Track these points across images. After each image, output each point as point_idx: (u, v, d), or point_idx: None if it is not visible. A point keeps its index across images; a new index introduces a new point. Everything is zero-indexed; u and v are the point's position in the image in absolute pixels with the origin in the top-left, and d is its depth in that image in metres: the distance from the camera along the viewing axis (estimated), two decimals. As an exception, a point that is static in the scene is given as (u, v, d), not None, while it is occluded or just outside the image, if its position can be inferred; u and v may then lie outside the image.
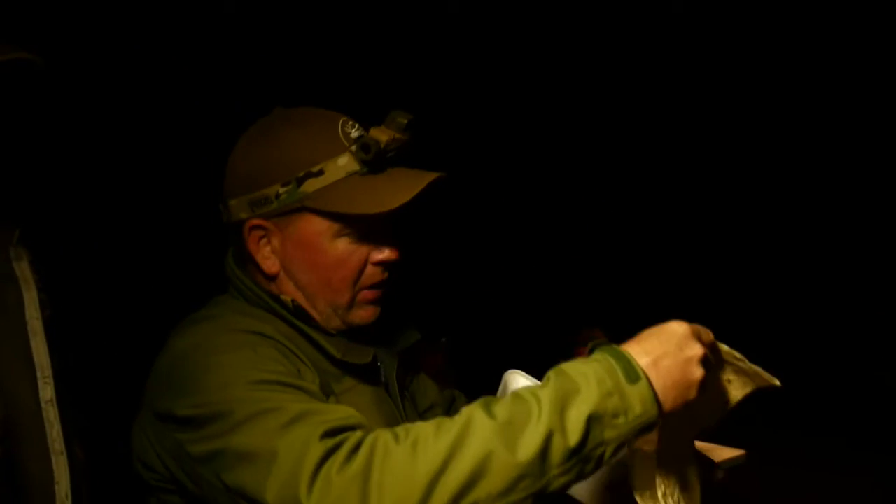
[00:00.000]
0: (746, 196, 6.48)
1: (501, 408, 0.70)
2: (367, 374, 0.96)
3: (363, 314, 0.94)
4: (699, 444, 3.17)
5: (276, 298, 0.91)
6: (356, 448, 0.68)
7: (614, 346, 0.74)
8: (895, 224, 5.75)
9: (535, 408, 0.68)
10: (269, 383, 0.77)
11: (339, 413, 0.74)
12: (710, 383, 0.78)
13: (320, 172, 0.86)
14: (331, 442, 0.69)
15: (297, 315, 0.91)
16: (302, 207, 0.87)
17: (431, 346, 3.55)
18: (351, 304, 0.92)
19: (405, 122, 0.88)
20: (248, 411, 0.73)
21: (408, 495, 0.65)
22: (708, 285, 6.46)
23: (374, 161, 0.86)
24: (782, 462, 4.99)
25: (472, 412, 0.70)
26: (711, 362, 0.77)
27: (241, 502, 0.72)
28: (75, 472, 1.10)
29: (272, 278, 0.92)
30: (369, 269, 0.91)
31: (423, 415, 1.19)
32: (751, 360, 0.86)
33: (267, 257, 0.91)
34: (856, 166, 5.97)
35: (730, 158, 6.34)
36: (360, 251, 0.90)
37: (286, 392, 0.76)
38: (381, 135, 0.87)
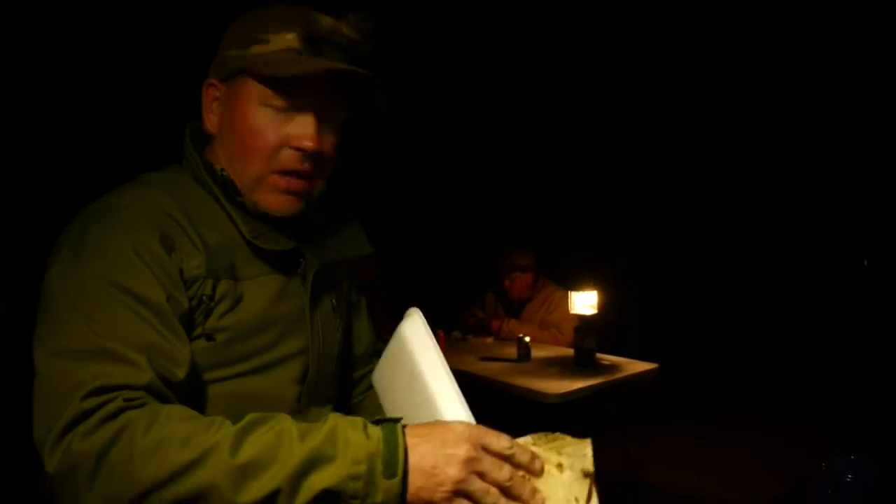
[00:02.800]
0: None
1: (251, 444, 0.70)
2: (284, 267, 0.97)
3: (272, 200, 0.94)
4: (616, 360, 3.38)
5: (209, 167, 0.95)
6: (108, 419, 0.71)
7: (396, 430, 0.72)
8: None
9: (281, 457, 0.69)
10: (117, 287, 0.79)
11: (122, 370, 0.74)
12: (515, 489, 0.72)
13: (265, 41, 0.90)
14: (90, 404, 0.71)
15: (223, 185, 0.94)
16: (243, 70, 0.91)
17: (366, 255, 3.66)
18: (259, 183, 0.93)
19: (357, 21, 0.91)
20: (67, 311, 0.77)
21: (128, 490, 0.68)
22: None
23: (313, 40, 0.90)
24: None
25: (224, 438, 0.70)
26: (490, 476, 0.71)
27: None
28: None
29: (213, 138, 0.96)
30: (286, 151, 0.92)
31: (355, 359, 1.21)
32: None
33: (211, 114, 0.96)
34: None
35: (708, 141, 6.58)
36: (280, 128, 0.91)
37: (123, 306, 0.78)
38: (326, 20, 0.90)
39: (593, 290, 3.15)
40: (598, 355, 3.09)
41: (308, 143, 0.91)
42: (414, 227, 4.90)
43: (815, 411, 4.64)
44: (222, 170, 0.94)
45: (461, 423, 0.75)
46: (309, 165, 0.93)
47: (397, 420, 0.75)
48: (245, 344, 0.91)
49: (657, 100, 6.13)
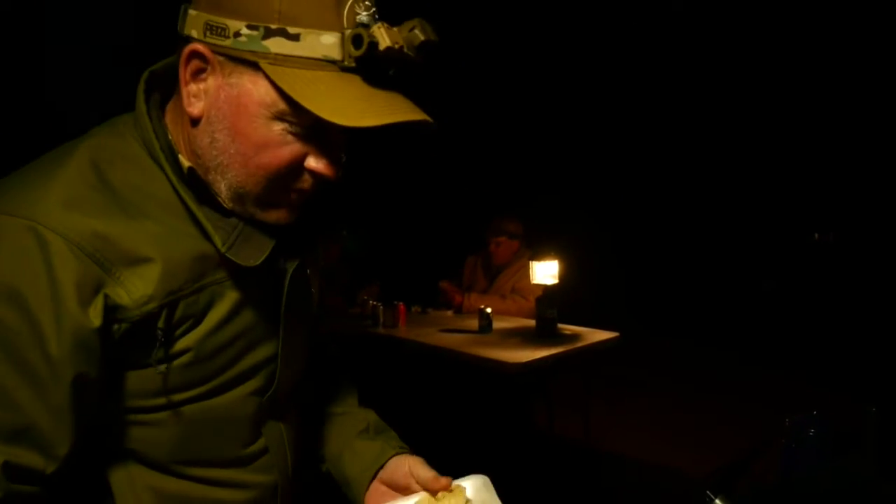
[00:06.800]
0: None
1: None
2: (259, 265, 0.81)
3: (276, 215, 0.79)
4: (577, 329, 3.40)
5: (172, 155, 0.76)
6: None
7: None
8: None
9: None
10: (11, 355, 0.68)
11: None
12: None
13: (296, 37, 0.68)
14: None
15: (187, 184, 0.76)
16: (256, 64, 0.69)
17: (332, 236, 3.60)
18: (263, 200, 0.77)
19: (421, 39, 0.69)
20: None
21: None
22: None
23: (361, 62, 0.69)
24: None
25: None
26: None
27: None
28: None
29: (193, 122, 0.75)
30: (302, 175, 0.76)
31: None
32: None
33: (194, 95, 0.74)
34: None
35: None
36: (296, 148, 0.74)
37: (11, 373, 0.68)
38: (385, 37, 0.68)
39: (554, 259, 3.15)
40: (560, 325, 3.10)
41: (328, 175, 0.76)
42: (384, 207, 4.83)
43: (767, 388, 4.74)
44: (189, 168, 0.75)
45: None
46: (320, 184, 0.78)
47: None
48: (205, 365, 0.79)
49: (632, 70, 6.17)
